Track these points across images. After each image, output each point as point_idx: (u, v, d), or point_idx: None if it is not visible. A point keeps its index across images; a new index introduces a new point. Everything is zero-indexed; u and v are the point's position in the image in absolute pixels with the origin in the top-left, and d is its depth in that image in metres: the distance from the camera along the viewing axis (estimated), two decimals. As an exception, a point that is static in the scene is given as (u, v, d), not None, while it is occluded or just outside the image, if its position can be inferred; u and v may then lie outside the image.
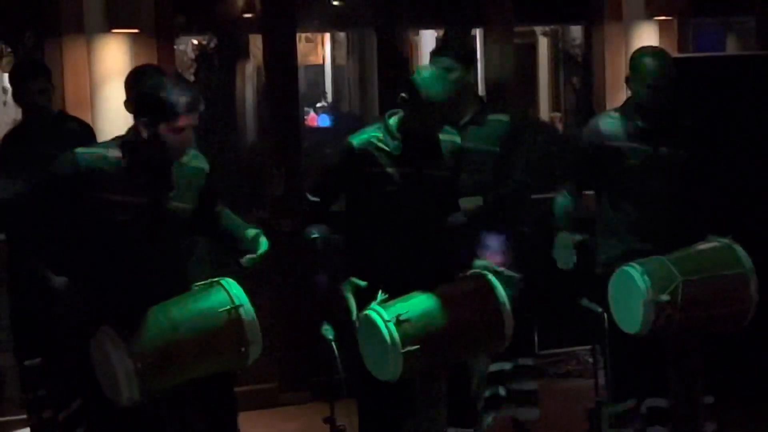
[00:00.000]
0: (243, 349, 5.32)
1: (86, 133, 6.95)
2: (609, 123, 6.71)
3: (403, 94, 5.78)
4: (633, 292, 6.22)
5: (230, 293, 5.33)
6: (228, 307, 5.29)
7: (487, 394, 6.72)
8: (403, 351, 5.41)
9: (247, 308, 5.28)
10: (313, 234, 5.80)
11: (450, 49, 6.75)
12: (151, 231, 5.35)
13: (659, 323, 6.19)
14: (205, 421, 5.50)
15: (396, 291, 5.65)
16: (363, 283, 5.73)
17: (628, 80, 6.66)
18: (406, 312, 5.54)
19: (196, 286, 5.45)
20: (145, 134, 5.21)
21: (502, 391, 6.73)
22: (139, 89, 5.47)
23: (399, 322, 5.46)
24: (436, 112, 5.78)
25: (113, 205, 5.24)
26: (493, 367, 6.70)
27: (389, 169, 5.88)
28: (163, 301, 5.33)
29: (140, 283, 5.33)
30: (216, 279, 5.41)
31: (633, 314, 6.25)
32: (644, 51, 7.09)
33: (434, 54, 6.74)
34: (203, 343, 5.34)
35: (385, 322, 5.47)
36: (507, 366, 6.72)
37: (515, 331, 6.02)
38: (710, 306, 6.34)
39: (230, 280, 5.38)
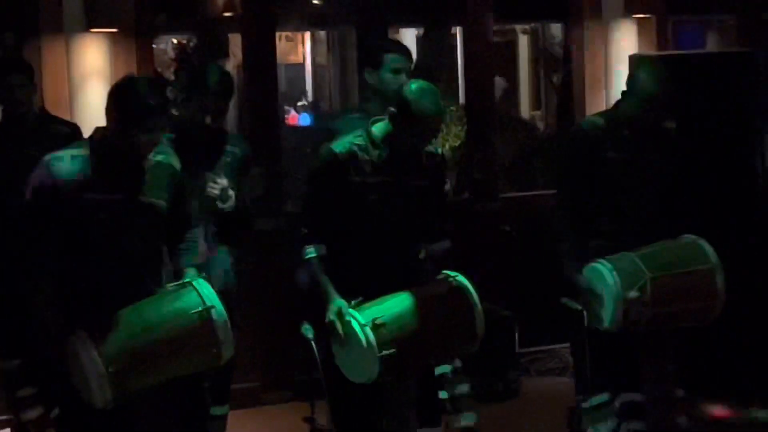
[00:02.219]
0: (215, 350, 5.35)
1: (73, 135, 6.93)
2: (591, 125, 6.79)
3: (392, 109, 5.73)
4: (603, 288, 6.28)
5: (201, 294, 5.35)
6: (199, 308, 5.30)
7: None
8: (379, 355, 5.43)
9: (218, 309, 5.31)
10: (311, 254, 5.80)
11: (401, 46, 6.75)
12: (125, 227, 5.36)
13: (629, 319, 6.27)
14: (177, 422, 5.54)
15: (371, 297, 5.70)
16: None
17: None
18: (382, 316, 5.56)
19: (169, 286, 5.47)
20: (114, 133, 5.31)
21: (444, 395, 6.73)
22: (111, 90, 5.47)
23: (375, 327, 5.48)
24: (426, 126, 5.78)
25: (86, 204, 5.27)
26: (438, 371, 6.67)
27: (371, 179, 5.87)
28: (138, 301, 5.35)
29: (115, 281, 5.35)
30: (188, 280, 5.44)
31: (604, 310, 6.31)
32: (646, 61, 7.13)
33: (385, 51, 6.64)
34: (175, 344, 5.35)
35: (362, 326, 5.50)
36: (447, 369, 6.73)
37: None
38: (678, 301, 6.42)
39: (202, 281, 5.41)
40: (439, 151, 6.16)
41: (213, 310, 5.30)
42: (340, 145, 5.87)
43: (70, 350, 5.17)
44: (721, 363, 8.00)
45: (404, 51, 6.38)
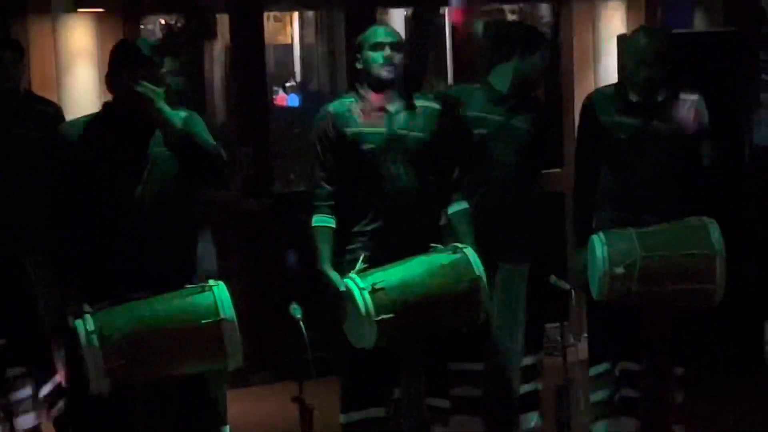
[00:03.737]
0: (221, 356, 5.37)
1: (57, 116, 6.95)
2: (601, 98, 6.86)
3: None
4: (594, 260, 6.36)
5: (216, 301, 5.33)
6: (212, 317, 5.30)
7: (521, 391, 6.72)
8: (376, 318, 5.48)
9: (229, 318, 5.30)
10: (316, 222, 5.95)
11: None
12: (138, 179, 5.37)
13: (615, 293, 6.33)
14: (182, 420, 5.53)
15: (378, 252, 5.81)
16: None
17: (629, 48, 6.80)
18: (382, 281, 5.60)
19: (188, 287, 5.43)
20: (117, 90, 5.35)
21: (538, 387, 6.75)
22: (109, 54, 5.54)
23: (374, 290, 5.54)
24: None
25: (99, 161, 5.32)
26: (526, 361, 6.73)
27: (366, 131, 5.98)
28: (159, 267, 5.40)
29: (134, 244, 5.36)
30: (213, 283, 5.42)
31: (594, 282, 6.40)
32: (638, 29, 7.20)
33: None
34: (179, 347, 5.35)
35: (360, 290, 5.55)
36: (536, 359, 6.77)
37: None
38: (671, 282, 6.42)
39: (223, 287, 5.38)
40: (437, 105, 6.20)
41: (225, 321, 5.29)
42: (332, 104, 6.10)
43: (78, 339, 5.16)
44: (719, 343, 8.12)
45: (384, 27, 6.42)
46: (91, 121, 5.50)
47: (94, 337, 5.10)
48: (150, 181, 5.38)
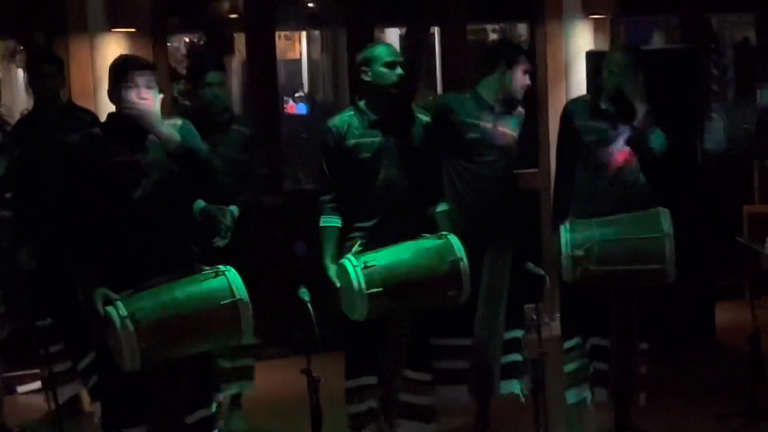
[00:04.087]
0: (237, 334, 5.40)
1: (93, 122, 6.89)
2: (576, 107, 6.87)
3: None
4: (564, 245, 6.40)
5: (231, 284, 5.33)
6: (229, 299, 5.30)
7: (503, 361, 6.71)
8: (367, 292, 5.53)
9: (244, 299, 5.30)
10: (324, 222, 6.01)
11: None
12: (138, 182, 5.31)
13: (577, 273, 6.40)
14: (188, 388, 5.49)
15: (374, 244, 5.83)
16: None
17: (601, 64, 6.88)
18: (373, 260, 5.66)
19: (203, 272, 5.41)
20: (114, 102, 5.33)
21: (519, 357, 6.73)
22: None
23: (366, 267, 5.59)
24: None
25: (102, 168, 5.26)
26: (508, 336, 6.73)
27: (366, 141, 5.98)
28: (166, 262, 5.34)
29: (141, 237, 5.31)
30: (223, 268, 5.40)
31: (564, 266, 6.42)
32: (613, 47, 7.29)
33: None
34: (202, 326, 5.33)
35: (354, 266, 5.61)
36: (519, 334, 6.74)
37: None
38: (626, 262, 6.48)
39: (233, 271, 5.37)
40: (426, 118, 6.21)
41: (241, 301, 5.30)
42: (334, 119, 6.08)
43: (108, 322, 5.14)
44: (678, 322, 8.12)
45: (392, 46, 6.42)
46: (99, 130, 5.48)
47: (128, 321, 5.08)
48: (149, 185, 5.34)
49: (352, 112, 6.05)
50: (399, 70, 5.98)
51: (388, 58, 5.99)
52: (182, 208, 5.56)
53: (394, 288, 5.72)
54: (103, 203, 5.33)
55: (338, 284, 5.78)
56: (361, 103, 6.04)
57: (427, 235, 5.95)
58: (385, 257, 5.78)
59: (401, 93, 6.05)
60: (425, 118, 6.17)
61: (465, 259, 5.82)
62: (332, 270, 5.84)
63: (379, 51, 6.08)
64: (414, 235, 5.93)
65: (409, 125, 6.08)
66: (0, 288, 5.49)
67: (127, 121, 5.34)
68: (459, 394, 6.62)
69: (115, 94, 5.35)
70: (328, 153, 6.02)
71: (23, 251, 6.83)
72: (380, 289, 5.61)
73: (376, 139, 5.96)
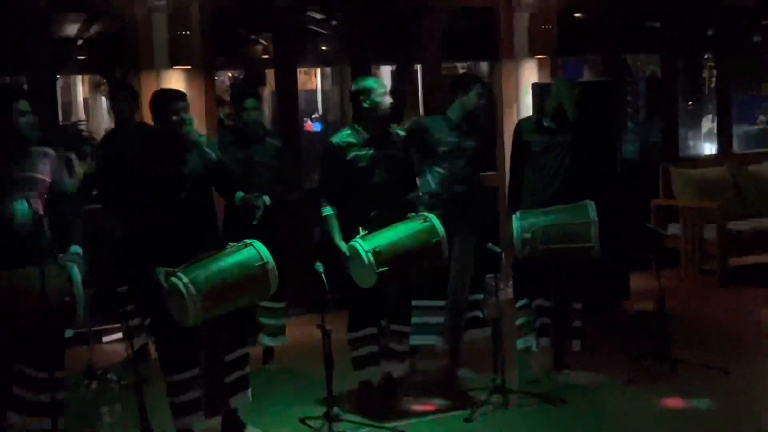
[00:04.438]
0: (266, 291, 5.44)
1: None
2: (525, 125, 6.91)
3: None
4: (516, 230, 6.45)
5: (259, 252, 5.35)
6: (259, 262, 5.32)
7: (468, 316, 6.69)
8: (377, 271, 5.61)
9: (271, 262, 5.33)
10: (326, 211, 6.02)
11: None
12: (175, 185, 5.40)
13: (526, 251, 6.43)
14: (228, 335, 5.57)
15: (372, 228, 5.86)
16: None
17: (544, 93, 6.96)
18: (380, 245, 5.71)
19: (232, 245, 5.43)
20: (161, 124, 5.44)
21: (480, 314, 6.68)
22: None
23: (375, 253, 5.64)
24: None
25: (146, 173, 5.40)
26: (472, 298, 6.70)
27: (359, 153, 6.01)
28: (202, 243, 5.39)
29: (180, 224, 5.39)
30: (248, 241, 5.42)
31: (517, 244, 6.46)
32: (555, 79, 7.33)
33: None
34: (242, 286, 5.38)
35: (366, 252, 5.65)
36: (480, 296, 6.69)
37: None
38: (563, 242, 6.50)
39: (258, 242, 5.40)
40: (402, 132, 6.36)
41: (268, 264, 5.33)
42: (335, 137, 6.13)
43: (174, 290, 5.16)
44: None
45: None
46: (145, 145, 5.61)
47: (191, 287, 5.10)
48: (188, 187, 5.42)
49: (349, 132, 6.08)
50: (386, 104, 6.04)
51: (381, 90, 6.05)
52: (211, 201, 5.60)
53: (396, 264, 5.76)
54: (159, 202, 5.40)
55: (348, 255, 5.80)
56: (356, 125, 6.08)
57: (413, 215, 6.02)
58: (386, 239, 5.80)
59: (386, 115, 6.10)
60: (402, 132, 6.30)
61: (445, 236, 5.89)
62: (343, 246, 5.85)
63: (373, 83, 6.10)
64: (401, 217, 5.98)
65: (390, 140, 6.15)
66: (90, 262, 5.47)
67: (174, 139, 5.44)
68: (436, 342, 6.60)
69: (160, 118, 5.45)
70: (331, 163, 6.06)
71: (108, 235, 6.84)
72: (386, 267, 5.66)
73: (370, 152, 6.00)
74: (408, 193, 6.22)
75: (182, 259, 5.27)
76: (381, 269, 5.67)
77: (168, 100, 5.47)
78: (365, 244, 5.72)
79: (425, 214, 6.03)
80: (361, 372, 6.15)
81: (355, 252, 5.76)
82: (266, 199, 5.87)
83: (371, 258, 5.67)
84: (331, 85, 13.49)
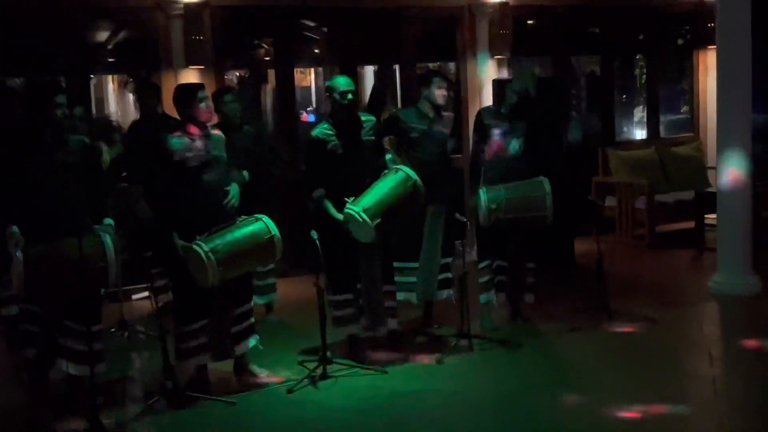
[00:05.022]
0: (272, 258, 5.60)
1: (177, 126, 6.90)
2: (486, 113, 6.87)
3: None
4: (480, 203, 6.44)
5: (267, 225, 5.42)
6: (268, 234, 5.40)
7: (440, 277, 6.63)
8: (372, 225, 5.64)
9: (277, 235, 5.40)
10: (318, 194, 5.95)
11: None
12: (205, 167, 5.44)
13: (491, 220, 6.41)
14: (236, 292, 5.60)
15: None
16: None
17: (503, 87, 6.92)
18: (367, 204, 5.73)
19: (243, 218, 5.48)
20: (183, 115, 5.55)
21: (450, 275, 6.65)
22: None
23: (365, 211, 5.67)
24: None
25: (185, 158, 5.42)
26: (443, 261, 6.64)
27: (335, 141, 5.95)
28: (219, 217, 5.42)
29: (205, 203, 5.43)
30: (258, 216, 5.49)
31: (481, 214, 6.44)
32: (516, 76, 7.35)
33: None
34: (252, 254, 5.45)
35: (358, 212, 5.67)
36: (450, 260, 6.64)
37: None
38: (522, 212, 6.49)
39: (266, 217, 5.48)
40: (373, 119, 6.23)
41: (274, 236, 5.40)
42: (315, 131, 6.03)
43: (195, 256, 5.20)
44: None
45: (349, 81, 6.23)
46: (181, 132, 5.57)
47: (210, 254, 5.16)
48: (212, 169, 5.48)
49: (326, 125, 5.99)
50: (350, 96, 5.94)
51: (343, 88, 5.93)
52: (225, 182, 5.59)
53: (387, 214, 5.77)
54: (184, 182, 5.41)
55: (346, 220, 5.77)
56: (330, 120, 6.01)
57: (387, 171, 6.00)
58: (372, 197, 5.79)
59: (352, 109, 6.02)
60: (370, 118, 6.16)
61: (418, 178, 5.90)
62: (339, 216, 5.80)
63: (338, 82, 6.01)
64: (374, 179, 5.96)
65: (358, 128, 6.02)
66: (120, 232, 5.48)
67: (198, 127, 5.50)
68: (412, 298, 6.59)
69: (187, 110, 5.49)
70: (314, 153, 5.99)
71: (135, 209, 6.83)
72: (379, 220, 5.66)
73: (341, 140, 5.92)
74: (378, 157, 6.16)
75: (201, 229, 5.29)
76: (375, 221, 5.67)
77: (191, 90, 5.56)
78: (356, 207, 5.70)
79: (396, 166, 6.02)
80: (342, 329, 6.09)
81: (350, 216, 5.72)
82: (245, 174, 5.90)
83: (364, 216, 5.66)
84: (323, 83, 13.48)
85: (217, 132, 5.67)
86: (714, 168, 7.90)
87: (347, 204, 5.76)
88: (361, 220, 5.66)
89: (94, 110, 9.83)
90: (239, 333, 5.60)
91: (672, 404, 5.11)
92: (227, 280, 5.33)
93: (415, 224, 6.41)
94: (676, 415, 4.98)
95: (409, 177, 5.90)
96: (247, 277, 5.62)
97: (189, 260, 5.26)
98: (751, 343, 6.26)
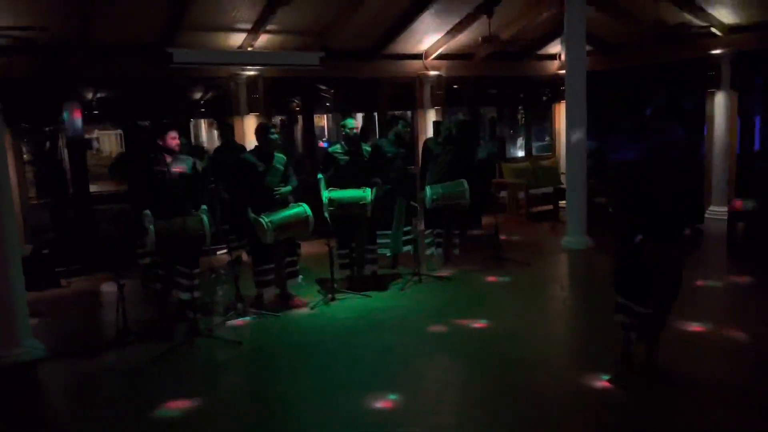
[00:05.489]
0: (308, 230, 5.37)
1: (244, 149, 6.80)
2: (429, 141, 6.84)
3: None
4: (427, 196, 6.35)
5: (305, 209, 5.33)
6: (306, 214, 5.30)
7: (403, 239, 6.53)
8: (328, 209, 5.57)
9: (311, 216, 5.29)
10: (320, 176, 5.88)
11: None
12: (266, 174, 5.37)
13: (434, 205, 6.35)
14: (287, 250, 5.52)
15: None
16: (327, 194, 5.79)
17: (439, 126, 6.98)
18: (334, 198, 5.62)
19: (293, 204, 5.39)
20: (260, 141, 5.36)
21: (409, 237, 6.48)
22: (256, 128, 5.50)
23: (329, 200, 5.60)
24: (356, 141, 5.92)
25: (252, 170, 5.31)
26: (405, 229, 6.54)
27: (343, 157, 5.87)
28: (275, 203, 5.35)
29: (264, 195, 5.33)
30: (301, 203, 5.39)
31: (427, 202, 6.39)
32: (448, 119, 7.31)
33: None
34: (295, 225, 5.34)
35: (325, 199, 5.63)
36: (408, 228, 6.49)
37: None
38: (452, 200, 6.44)
39: (305, 204, 5.37)
40: (369, 148, 6.11)
41: (309, 216, 5.29)
42: (331, 148, 5.97)
43: (260, 224, 5.15)
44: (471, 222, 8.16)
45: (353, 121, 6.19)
46: (251, 154, 5.47)
47: (269, 223, 5.13)
48: (269, 177, 5.38)
49: (338, 146, 5.96)
50: (356, 130, 5.94)
51: (350, 125, 5.93)
52: (281, 182, 5.50)
53: (342, 208, 5.69)
54: (253, 185, 5.35)
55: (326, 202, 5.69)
56: (342, 142, 5.96)
57: (361, 188, 5.83)
58: (340, 195, 5.70)
59: (356, 139, 5.96)
60: (369, 148, 6.09)
61: (369, 196, 5.73)
62: (324, 196, 5.74)
63: (347, 121, 6.00)
64: (361, 185, 5.84)
65: (360, 150, 5.97)
66: (213, 214, 5.47)
67: (267, 151, 5.40)
68: (386, 252, 6.53)
69: (262, 139, 5.39)
70: (328, 161, 5.90)
71: (219, 197, 6.75)
72: (333, 208, 5.61)
73: (348, 156, 5.87)
74: (368, 178, 6.04)
75: (263, 210, 5.26)
76: (330, 208, 5.63)
77: (265, 128, 5.45)
78: (265, 218, 5.41)
79: (365, 188, 5.79)
80: (343, 271, 6.08)
81: (256, 221, 5.50)
82: (291, 185, 5.88)
83: (327, 204, 5.66)
84: (332, 123, 13.38)
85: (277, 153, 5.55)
86: (564, 173, 7.96)
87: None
88: (325, 203, 5.56)
89: (192, 140, 9.74)
90: (289, 273, 5.56)
91: (539, 313, 5.22)
92: (280, 240, 5.30)
93: (389, 209, 6.32)
94: (543, 319, 5.08)
95: (365, 196, 5.67)
96: (291, 239, 5.55)
97: (257, 227, 5.25)
98: (585, 275, 6.37)
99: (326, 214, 5.67)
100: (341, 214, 5.79)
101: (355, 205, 5.73)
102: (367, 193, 5.77)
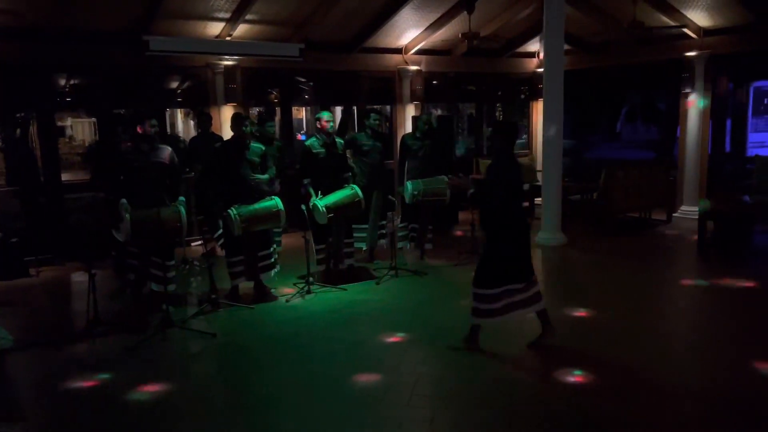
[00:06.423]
0: (279, 222, 5.32)
1: (220, 139, 6.76)
2: (407, 136, 6.77)
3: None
4: (407, 190, 6.37)
5: (276, 203, 5.27)
6: (275, 208, 5.24)
7: (379, 233, 6.59)
8: (328, 216, 5.48)
9: (282, 209, 5.23)
10: (306, 181, 5.82)
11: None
12: (242, 163, 5.30)
13: (414, 200, 6.37)
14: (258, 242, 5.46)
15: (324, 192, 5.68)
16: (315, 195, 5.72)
17: (417, 120, 6.93)
18: (328, 203, 5.57)
19: (266, 199, 5.35)
20: (235, 131, 5.29)
21: (384, 231, 6.57)
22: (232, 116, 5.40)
23: (327, 207, 5.53)
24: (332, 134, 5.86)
25: (230, 159, 5.22)
26: (381, 223, 6.59)
27: (320, 150, 5.82)
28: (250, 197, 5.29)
29: (241, 186, 5.28)
30: (273, 196, 5.34)
31: (407, 197, 6.39)
32: (424, 113, 7.27)
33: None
34: (265, 218, 5.28)
35: (321, 207, 5.54)
36: (384, 222, 6.54)
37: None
38: (432, 196, 6.46)
39: (277, 197, 5.32)
40: (341, 141, 6.04)
41: (281, 211, 5.24)
42: (307, 141, 5.91)
43: (229, 217, 5.10)
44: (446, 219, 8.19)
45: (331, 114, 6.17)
46: (226, 144, 5.40)
47: (237, 216, 5.08)
48: (245, 166, 5.32)
49: (315, 138, 5.91)
50: (331, 124, 5.88)
51: (325, 118, 5.87)
52: (258, 173, 5.48)
53: (338, 211, 5.66)
54: (230, 173, 5.29)
55: (312, 207, 5.65)
56: (318, 135, 5.91)
57: (345, 185, 5.82)
58: (332, 199, 5.67)
59: (331, 132, 5.92)
60: (340, 140, 6.05)
61: (362, 195, 5.73)
62: (316, 200, 5.69)
63: (323, 114, 5.95)
64: (340, 185, 5.82)
65: (335, 144, 5.93)
66: (187, 203, 5.45)
67: (242, 140, 5.33)
68: (362, 246, 6.60)
69: (236, 129, 5.30)
70: (306, 157, 5.85)
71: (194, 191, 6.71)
72: (331, 214, 5.56)
73: (324, 149, 5.83)
74: (344, 173, 6.00)
75: (237, 202, 5.23)
76: (329, 215, 5.60)
77: (240, 118, 5.38)
78: (320, 203, 5.57)
79: (352, 185, 5.81)
80: (320, 265, 6.07)
81: (315, 207, 5.62)
82: (274, 170, 5.87)
83: (324, 210, 5.58)
84: (310, 115, 13.35)
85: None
86: (540, 171, 8.06)
87: (315, 198, 5.57)
88: (322, 212, 5.57)
89: (168, 130, 9.63)
90: (263, 266, 5.51)
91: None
92: (250, 232, 5.28)
93: (366, 203, 6.32)
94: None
95: (357, 194, 5.68)
96: (265, 232, 5.50)
97: (227, 219, 5.22)
98: (557, 270, 6.47)
99: (323, 221, 5.60)
100: (341, 215, 5.81)
101: (352, 204, 5.74)
102: (356, 189, 5.77)
